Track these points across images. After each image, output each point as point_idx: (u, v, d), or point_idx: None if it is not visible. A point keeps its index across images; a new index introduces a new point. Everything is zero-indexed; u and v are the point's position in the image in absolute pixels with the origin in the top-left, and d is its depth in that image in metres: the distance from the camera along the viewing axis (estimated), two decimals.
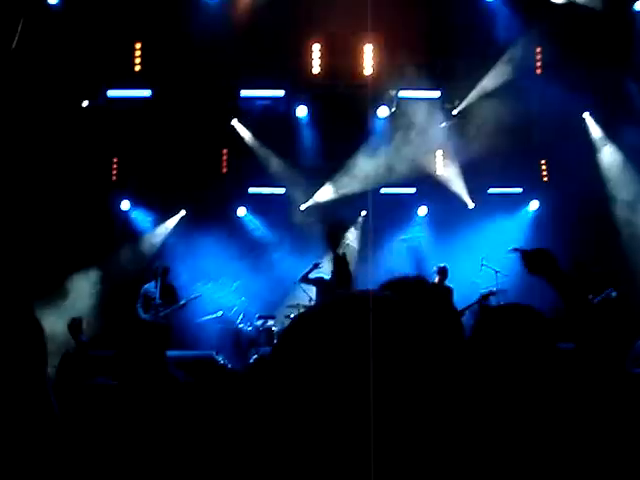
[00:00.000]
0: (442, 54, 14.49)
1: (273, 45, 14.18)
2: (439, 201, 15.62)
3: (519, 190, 15.93)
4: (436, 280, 12.16)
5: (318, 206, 15.71)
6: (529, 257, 3.29)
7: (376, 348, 1.22)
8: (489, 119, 14.59)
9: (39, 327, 2.15)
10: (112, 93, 14.72)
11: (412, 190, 15.89)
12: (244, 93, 15.10)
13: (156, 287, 12.59)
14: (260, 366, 11.20)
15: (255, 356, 12.14)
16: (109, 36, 13.79)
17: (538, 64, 14.71)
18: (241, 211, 15.82)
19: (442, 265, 12.50)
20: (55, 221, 13.87)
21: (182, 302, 12.76)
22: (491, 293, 12.87)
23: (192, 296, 13.05)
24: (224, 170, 15.51)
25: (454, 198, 15.63)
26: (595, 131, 15.43)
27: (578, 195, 14.23)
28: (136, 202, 15.55)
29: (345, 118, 14.89)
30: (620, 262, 13.85)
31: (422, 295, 2.36)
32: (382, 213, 15.04)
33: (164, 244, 15.48)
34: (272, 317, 13.96)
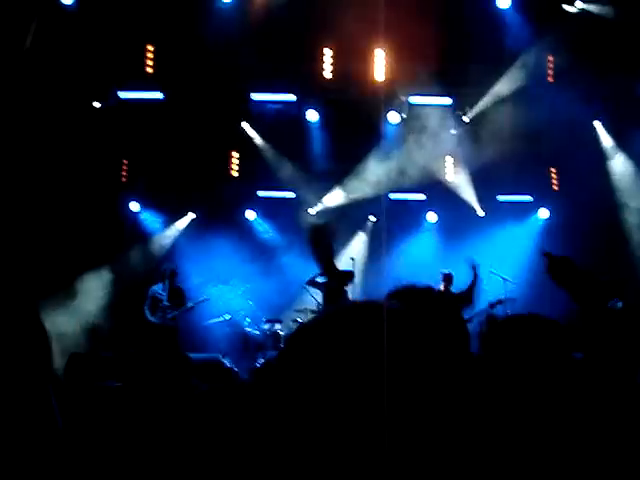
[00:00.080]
0: (454, 61, 14.46)
1: (285, 49, 14.21)
2: (449, 208, 15.60)
3: (529, 198, 15.89)
4: (442, 287, 12.13)
5: (327, 210, 15.71)
6: (555, 265, 3.26)
7: (382, 357, 1.21)
8: (500, 126, 14.57)
9: (43, 328, 2.14)
10: (124, 95, 14.76)
11: (422, 196, 15.88)
12: (255, 97, 15.12)
13: (164, 289, 12.60)
14: (267, 370, 11.18)
15: (262, 360, 12.13)
16: (122, 38, 13.83)
17: (550, 72, 14.68)
18: (250, 214, 15.82)
19: (447, 272, 12.47)
20: (65, 222, 13.90)
21: (190, 305, 12.76)
22: (499, 301, 12.84)
23: (200, 299, 13.06)
24: (234, 173, 15.52)
25: (464, 205, 15.61)
26: (606, 139, 15.38)
27: (588, 204, 14.20)
28: (145, 204, 15.57)
29: (356, 123, 14.88)
30: (630, 271, 13.81)
31: (429, 304, 2.35)
32: (391, 219, 15.04)
33: (173, 246, 15.49)
34: (279, 321, 13.95)
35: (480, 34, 14.05)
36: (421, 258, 14.77)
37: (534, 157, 14.90)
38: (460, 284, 12.48)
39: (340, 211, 15.55)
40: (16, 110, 13.24)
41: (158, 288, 12.63)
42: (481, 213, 15.69)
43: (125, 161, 15.34)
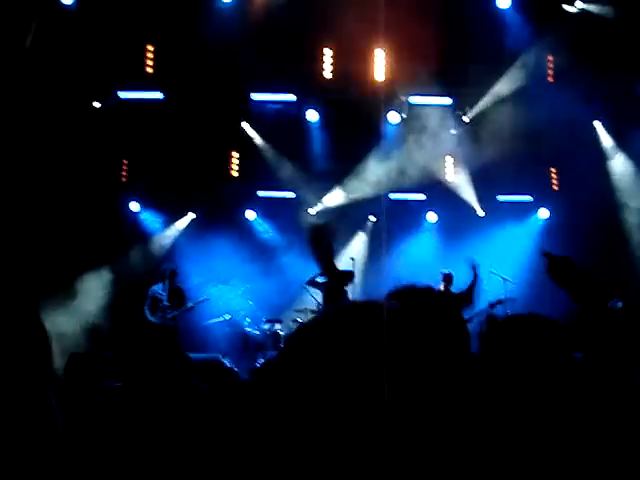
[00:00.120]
0: (454, 60, 14.46)
1: (285, 49, 14.21)
2: (448, 208, 15.60)
3: (529, 198, 15.88)
4: (442, 287, 12.13)
5: (327, 210, 15.72)
6: (555, 265, 3.25)
7: (382, 357, 1.22)
8: (500, 126, 14.58)
9: (43, 329, 2.14)
10: (124, 95, 14.76)
11: (422, 196, 15.88)
12: (255, 97, 15.11)
13: (164, 289, 12.60)
14: (267, 370, 11.19)
15: (262, 360, 12.14)
16: (122, 38, 13.84)
17: (550, 72, 14.68)
18: (250, 214, 15.82)
19: (447, 271, 12.47)
20: (65, 222, 13.90)
21: (190, 305, 12.76)
22: (499, 301, 12.85)
23: (200, 299, 13.05)
24: (234, 173, 15.52)
25: (464, 205, 15.61)
26: (606, 139, 15.38)
27: (588, 204, 14.20)
28: (145, 204, 15.57)
29: (356, 123, 14.88)
30: (630, 271, 13.82)
31: (429, 304, 2.35)
32: (391, 219, 15.05)
33: (173, 246, 15.49)
34: (279, 321, 13.95)
35: (480, 34, 14.05)
36: (421, 258, 14.77)
37: (534, 157, 14.90)
38: (460, 284, 12.48)
39: (340, 211, 15.55)
40: (16, 110, 13.24)
41: (158, 288, 12.63)
42: (481, 213, 15.70)
43: (125, 161, 15.35)
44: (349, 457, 1.20)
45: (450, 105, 15.16)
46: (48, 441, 2.03)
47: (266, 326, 13.76)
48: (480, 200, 15.66)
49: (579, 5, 14.38)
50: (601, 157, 15.27)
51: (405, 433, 1.21)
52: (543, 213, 15.81)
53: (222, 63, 14.31)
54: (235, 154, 15.53)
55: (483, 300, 12.84)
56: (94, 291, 14.44)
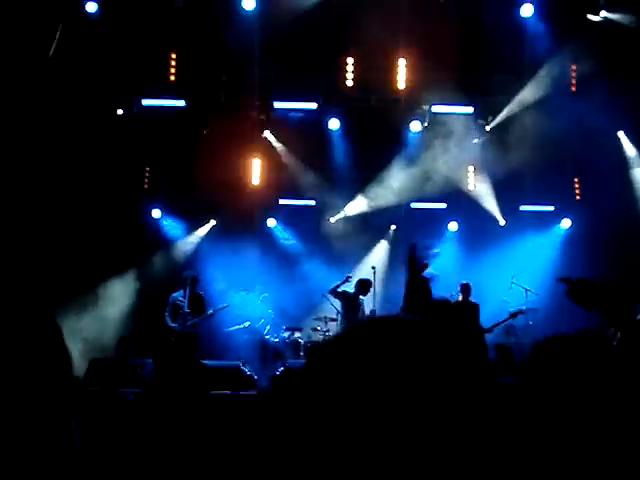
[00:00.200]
0: (476, 69, 14.44)
1: (307, 58, 14.23)
2: (470, 217, 15.54)
3: (551, 208, 15.79)
4: (460, 298, 12.09)
5: (348, 219, 15.71)
6: (575, 289, 3.20)
7: (403, 371, 1.22)
8: (522, 135, 14.52)
9: (59, 334, 2.14)
10: (146, 102, 14.83)
11: (443, 205, 15.83)
12: (277, 105, 15.15)
13: (184, 296, 12.62)
14: (286, 378, 11.19)
15: (281, 368, 12.13)
16: (145, 45, 13.92)
17: (573, 81, 14.60)
18: (271, 222, 15.85)
19: (465, 282, 12.43)
20: (88, 228, 13.98)
21: (210, 312, 12.77)
22: (520, 312, 12.78)
23: (220, 306, 13.07)
24: (255, 181, 15.54)
25: (485, 214, 15.55)
26: (629, 149, 15.28)
27: (611, 213, 14.09)
28: (167, 211, 15.63)
29: (377, 132, 14.89)
30: None
31: (447, 316, 2.35)
32: (412, 228, 15.03)
33: (194, 253, 15.53)
34: (299, 329, 13.96)
35: (503, 43, 14.00)
36: (442, 267, 14.71)
37: (556, 166, 14.83)
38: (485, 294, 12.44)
39: (361, 219, 15.54)
40: (41, 118, 13.35)
41: (179, 295, 12.66)
42: (502, 222, 15.62)
43: (147, 168, 15.41)
44: (368, 473, 1.20)
45: (472, 114, 15.11)
46: (65, 452, 2.03)
47: (286, 334, 13.76)
48: (502, 209, 15.59)
49: (603, 14, 14.29)
50: (624, 166, 15.17)
51: (427, 446, 1.21)
52: (566, 223, 15.70)
53: (244, 71, 14.37)
54: (257, 162, 15.55)
55: (504, 310, 12.78)
56: (116, 297, 14.52)
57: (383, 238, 16.00)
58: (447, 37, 14.07)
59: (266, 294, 14.17)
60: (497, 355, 11.84)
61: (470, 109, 15.04)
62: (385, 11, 13.19)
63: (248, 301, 14.10)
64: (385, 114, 14.94)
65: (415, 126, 15.29)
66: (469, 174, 15.61)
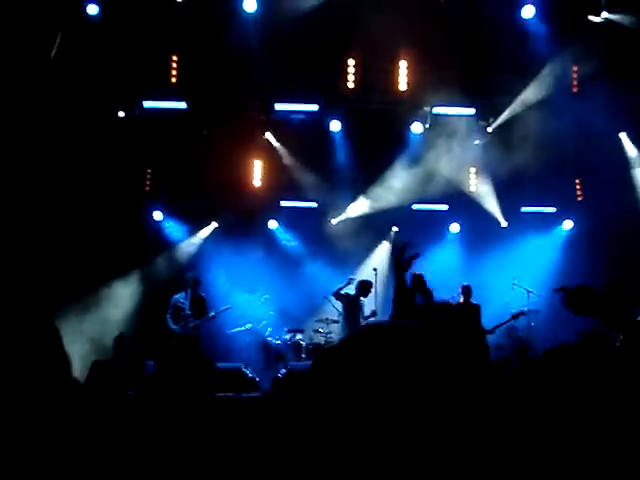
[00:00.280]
0: (477, 71, 14.43)
1: (308, 59, 14.23)
2: (471, 218, 15.54)
3: (553, 209, 15.78)
4: (461, 300, 12.09)
5: (350, 220, 15.71)
6: (573, 299, 3.18)
7: (406, 376, 1.22)
8: (524, 137, 14.52)
9: (58, 336, 2.14)
10: (148, 104, 14.83)
11: (444, 207, 15.82)
12: (278, 107, 15.14)
13: (186, 298, 12.62)
14: (288, 381, 11.19)
15: (283, 370, 12.13)
16: (146, 47, 13.92)
17: (574, 82, 14.59)
18: (272, 224, 15.84)
19: (466, 284, 12.42)
20: (89, 230, 13.98)
21: (212, 314, 12.77)
22: (521, 313, 12.77)
23: (222, 308, 13.06)
24: (257, 182, 15.54)
25: (487, 216, 15.55)
26: (631, 150, 15.27)
27: (613, 215, 14.09)
28: (169, 213, 15.63)
29: (379, 133, 14.90)
30: None
31: (449, 319, 2.34)
32: (414, 229, 15.02)
33: (195, 255, 15.53)
34: (301, 331, 13.96)
35: (504, 44, 14.00)
36: (443, 269, 14.71)
37: (558, 167, 14.82)
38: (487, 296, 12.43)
39: (363, 221, 15.54)
40: (43, 120, 13.36)
41: (180, 297, 12.65)
42: (504, 224, 15.61)
43: (149, 170, 15.42)
44: (374, 475, 1.20)
45: (473, 115, 15.11)
46: (64, 455, 2.02)
47: (287, 336, 13.76)
48: (503, 211, 15.58)
49: (604, 15, 14.28)
50: (626, 167, 15.16)
51: (431, 449, 1.21)
52: (567, 224, 15.70)
53: (245, 73, 14.38)
54: (258, 163, 15.56)
55: (506, 311, 12.77)
56: (118, 299, 14.53)
57: (384, 239, 16.00)
58: (448, 38, 14.07)
59: (268, 295, 14.18)
60: (514, 350, 11.90)
61: (471, 110, 15.04)
62: (386, 12, 13.18)
63: (250, 303, 14.11)
64: (386, 115, 14.95)
65: (416, 127, 15.28)
66: (471, 175, 15.62)
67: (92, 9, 13.84)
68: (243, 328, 13.84)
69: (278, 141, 15.68)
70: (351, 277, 12.77)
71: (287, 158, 15.65)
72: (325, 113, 15.28)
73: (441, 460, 1.21)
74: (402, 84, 14.65)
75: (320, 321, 13.71)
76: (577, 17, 14.27)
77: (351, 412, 1.22)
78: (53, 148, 13.50)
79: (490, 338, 11.48)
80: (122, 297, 14.61)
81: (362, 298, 12.45)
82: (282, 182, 15.59)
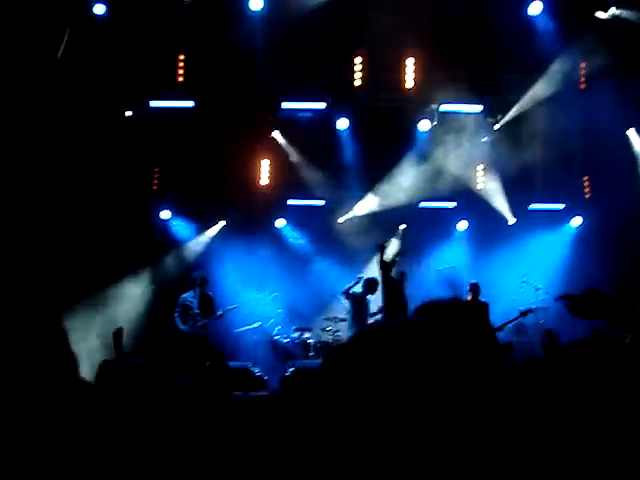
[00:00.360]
0: (485, 68, 14.42)
1: (315, 57, 14.23)
2: (479, 216, 15.50)
3: (561, 206, 15.75)
4: (469, 298, 12.08)
5: (357, 218, 15.69)
6: (579, 304, 3.14)
7: (418, 373, 1.21)
8: (532, 134, 14.49)
9: (64, 336, 2.14)
10: (155, 103, 14.84)
11: (452, 204, 15.79)
12: (285, 105, 15.13)
13: (194, 297, 12.63)
14: (296, 379, 11.20)
15: (291, 369, 12.13)
16: (153, 46, 13.94)
17: (582, 79, 14.55)
18: (280, 222, 15.84)
19: (474, 282, 12.42)
20: (96, 230, 14.00)
21: (219, 313, 12.78)
22: (530, 310, 12.76)
23: (230, 307, 13.08)
24: (264, 181, 15.55)
25: (495, 213, 15.52)
26: (639, 146, 15.22)
27: (621, 211, 14.05)
28: (176, 211, 15.64)
29: (386, 131, 14.89)
30: None
31: (459, 317, 2.33)
32: (422, 227, 15.04)
33: (203, 254, 15.54)
34: (309, 329, 13.97)
35: (511, 41, 13.97)
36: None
37: (566, 164, 14.80)
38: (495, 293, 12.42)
39: (371, 219, 15.52)
40: (50, 120, 13.38)
41: (188, 296, 12.67)
42: (512, 221, 15.57)
43: (156, 169, 15.43)
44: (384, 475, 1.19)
45: (481, 112, 15.09)
46: (70, 454, 2.02)
47: (295, 334, 13.77)
48: (511, 208, 15.55)
49: (612, 11, 14.23)
50: (634, 164, 15.11)
51: (445, 448, 1.20)
52: (576, 221, 15.65)
53: (252, 71, 14.38)
54: (265, 162, 15.56)
55: (514, 309, 12.75)
56: (126, 299, 14.54)
57: (392, 237, 15.97)
58: (455, 35, 14.06)
59: (277, 293, 14.20)
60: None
61: (479, 107, 15.01)
62: (393, 10, 13.16)
63: (258, 301, 14.13)
64: (394, 113, 14.94)
65: (424, 125, 15.25)
66: (478, 173, 15.59)
67: (99, 9, 13.86)
68: (251, 326, 13.85)
69: (285, 139, 15.67)
70: (359, 276, 12.77)
71: (294, 156, 15.65)
72: (332, 111, 15.26)
73: (457, 458, 1.20)
74: (409, 81, 14.63)
75: (328, 319, 13.72)
76: (585, 13, 14.22)
77: (363, 411, 1.21)
78: (61, 147, 13.52)
79: (498, 336, 11.47)
80: (130, 296, 14.63)
81: (369, 296, 12.46)
82: (289, 180, 15.59)
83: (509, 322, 12.26)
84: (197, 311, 12.53)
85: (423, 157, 15.24)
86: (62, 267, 13.15)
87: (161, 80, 14.62)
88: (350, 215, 15.78)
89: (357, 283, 12.43)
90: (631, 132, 15.13)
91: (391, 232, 15.82)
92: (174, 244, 15.63)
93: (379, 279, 12.10)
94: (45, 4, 13.06)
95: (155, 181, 15.44)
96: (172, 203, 15.52)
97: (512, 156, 14.37)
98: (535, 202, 15.63)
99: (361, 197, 15.73)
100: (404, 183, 15.22)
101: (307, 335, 13.80)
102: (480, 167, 15.56)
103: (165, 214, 15.53)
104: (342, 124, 15.38)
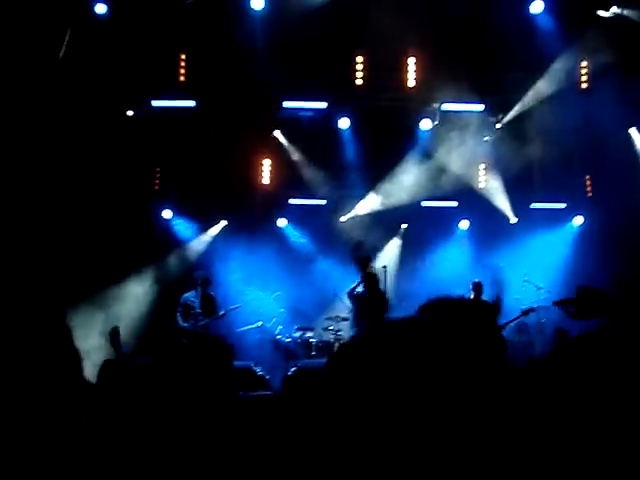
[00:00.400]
0: (486, 67, 14.40)
1: (317, 56, 14.23)
2: (481, 215, 15.51)
3: (563, 205, 15.75)
4: (472, 296, 12.07)
5: (359, 218, 15.70)
6: (576, 307, 3.14)
7: (423, 372, 1.21)
8: (533, 133, 14.49)
9: (69, 334, 2.14)
10: (156, 103, 14.84)
11: (454, 203, 15.79)
12: (287, 104, 15.13)
13: (196, 296, 12.63)
14: (298, 379, 11.19)
15: (293, 368, 12.12)
16: (154, 46, 13.93)
17: (583, 78, 14.54)
18: (282, 222, 15.85)
19: (477, 280, 12.41)
20: (98, 230, 14.01)
21: (221, 312, 12.78)
22: (531, 309, 12.76)
23: (231, 306, 13.08)
24: (265, 181, 15.55)
25: (496, 212, 15.52)
26: None
27: (623, 210, 14.04)
28: (178, 211, 15.65)
29: (388, 130, 14.89)
30: None
31: (464, 315, 2.34)
32: (423, 226, 15.04)
33: (205, 253, 15.54)
34: (311, 329, 13.96)
35: (513, 40, 13.94)
36: (453, 265, 14.71)
37: (568, 163, 14.79)
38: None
39: (372, 218, 15.52)
40: (51, 119, 13.38)
41: (190, 295, 12.67)
42: (514, 220, 15.58)
43: (158, 169, 15.44)
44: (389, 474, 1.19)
45: (483, 111, 15.08)
46: (73, 452, 2.02)
47: (297, 334, 13.77)
48: (513, 207, 15.55)
49: (613, 10, 14.22)
50: (636, 163, 15.09)
51: (449, 448, 1.20)
52: (577, 220, 15.65)
53: (254, 71, 14.37)
54: (267, 161, 15.57)
55: (516, 308, 12.75)
56: (128, 298, 14.55)
57: (394, 237, 15.98)
58: (456, 34, 14.05)
59: (279, 292, 14.21)
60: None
61: (480, 107, 15.00)
62: (394, 9, 13.15)
63: (261, 300, 14.14)
64: (395, 112, 14.94)
65: (425, 124, 15.24)
66: (480, 172, 15.60)
67: (100, 8, 13.84)
68: (253, 326, 13.85)
69: (287, 139, 15.68)
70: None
71: (296, 156, 15.67)
72: (334, 110, 15.26)
73: (463, 457, 1.20)
74: (411, 81, 14.61)
75: (330, 319, 13.71)
76: (586, 12, 14.20)
77: (369, 410, 1.21)
78: (62, 147, 13.53)
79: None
80: (132, 295, 14.63)
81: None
82: (291, 180, 15.60)
83: (511, 321, 12.27)
84: (199, 311, 12.53)
85: (425, 156, 15.24)
86: (64, 266, 13.16)
87: (163, 80, 14.61)
88: (352, 214, 15.79)
89: (360, 283, 12.41)
90: (633, 131, 15.12)
91: (393, 231, 15.85)
92: (176, 244, 15.64)
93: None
94: (46, 4, 13.06)
95: (157, 181, 15.47)
96: (174, 203, 15.54)
97: (514, 155, 14.38)
98: (537, 201, 15.63)
99: (363, 196, 15.74)
100: (406, 182, 15.23)
101: (309, 334, 13.79)
102: (482, 166, 15.57)
103: (167, 214, 15.55)
104: (343, 123, 15.39)
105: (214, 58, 14.34)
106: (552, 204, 15.73)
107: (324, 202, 15.72)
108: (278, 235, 15.76)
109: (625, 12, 14.11)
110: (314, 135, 15.28)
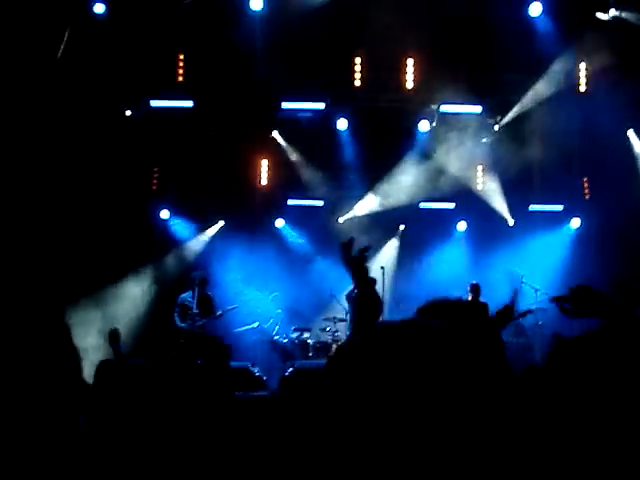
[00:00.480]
0: (485, 69, 14.41)
1: (315, 57, 14.23)
2: (479, 217, 15.52)
3: (560, 207, 15.76)
4: (470, 298, 12.08)
5: (357, 218, 15.70)
6: (571, 304, 3.13)
7: (421, 374, 1.21)
8: (531, 135, 14.49)
9: (68, 334, 2.14)
10: (155, 103, 14.83)
11: (451, 205, 15.80)
12: (285, 105, 15.12)
13: (193, 297, 12.61)
14: (296, 379, 11.19)
15: (290, 369, 12.13)
16: (153, 46, 13.92)
17: (582, 80, 14.55)
18: (279, 222, 15.84)
19: (474, 282, 12.42)
20: (95, 229, 14.00)
21: (219, 313, 12.77)
22: (529, 311, 12.76)
23: (229, 307, 13.07)
24: (264, 181, 15.56)
25: (494, 214, 15.53)
26: (639, 147, 15.23)
27: (621, 212, 14.07)
28: (176, 211, 15.64)
29: (386, 131, 14.90)
30: None
31: (462, 317, 2.34)
32: (421, 227, 15.05)
33: (202, 254, 15.54)
34: (308, 330, 13.96)
35: (511, 42, 13.95)
36: (451, 267, 14.71)
37: (566, 165, 14.82)
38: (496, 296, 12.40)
39: (370, 219, 15.53)
40: (50, 119, 13.38)
41: (187, 296, 12.64)
42: (511, 222, 15.59)
43: (156, 169, 15.43)
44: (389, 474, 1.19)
45: (481, 113, 15.08)
46: (71, 451, 2.02)
47: (294, 334, 13.77)
48: (511, 209, 15.57)
49: (612, 12, 14.23)
50: (633, 165, 15.12)
51: (448, 447, 1.20)
52: (575, 222, 15.67)
53: (252, 71, 14.37)
54: (265, 162, 15.57)
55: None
56: (126, 298, 14.54)
57: (392, 238, 15.99)
58: (455, 36, 14.05)
59: (277, 293, 14.21)
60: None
61: (479, 108, 15.00)
62: (393, 10, 13.16)
63: (258, 301, 14.13)
64: (393, 113, 14.95)
65: (424, 125, 15.26)
66: (478, 173, 15.60)
67: (99, 8, 13.83)
68: (250, 326, 13.85)
69: (285, 139, 15.68)
70: None
71: (294, 156, 15.67)
72: (332, 111, 15.26)
73: (463, 457, 1.20)
74: (409, 82, 14.61)
75: (327, 320, 13.71)
76: (585, 14, 14.22)
77: (368, 411, 1.21)
78: (61, 147, 13.52)
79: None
80: (130, 295, 14.63)
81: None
82: (289, 180, 15.61)
83: (517, 317, 12.26)
84: (196, 311, 12.50)
85: (423, 157, 15.26)
86: (63, 266, 13.15)
87: (161, 80, 14.61)
88: (350, 215, 15.80)
89: (355, 285, 12.39)
90: (631, 133, 15.14)
91: (391, 232, 15.86)
92: (174, 244, 15.63)
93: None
94: (45, 4, 13.05)
95: (155, 180, 15.46)
96: (171, 202, 15.53)
97: (512, 157, 14.39)
98: (535, 203, 15.64)
99: (361, 197, 15.74)
100: (404, 183, 15.25)
101: (306, 335, 13.80)
102: (480, 168, 15.58)
103: (165, 214, 15.54)
104: (342, 124, 15.38)
105: (212, 58, 14.34)
106: (550, 206, 15.73)
107: (322, 203, 15.72)
108: (276, 236, 15.76)
109: (623, 15, 14.13)
110: (312, 136, 15.28)
